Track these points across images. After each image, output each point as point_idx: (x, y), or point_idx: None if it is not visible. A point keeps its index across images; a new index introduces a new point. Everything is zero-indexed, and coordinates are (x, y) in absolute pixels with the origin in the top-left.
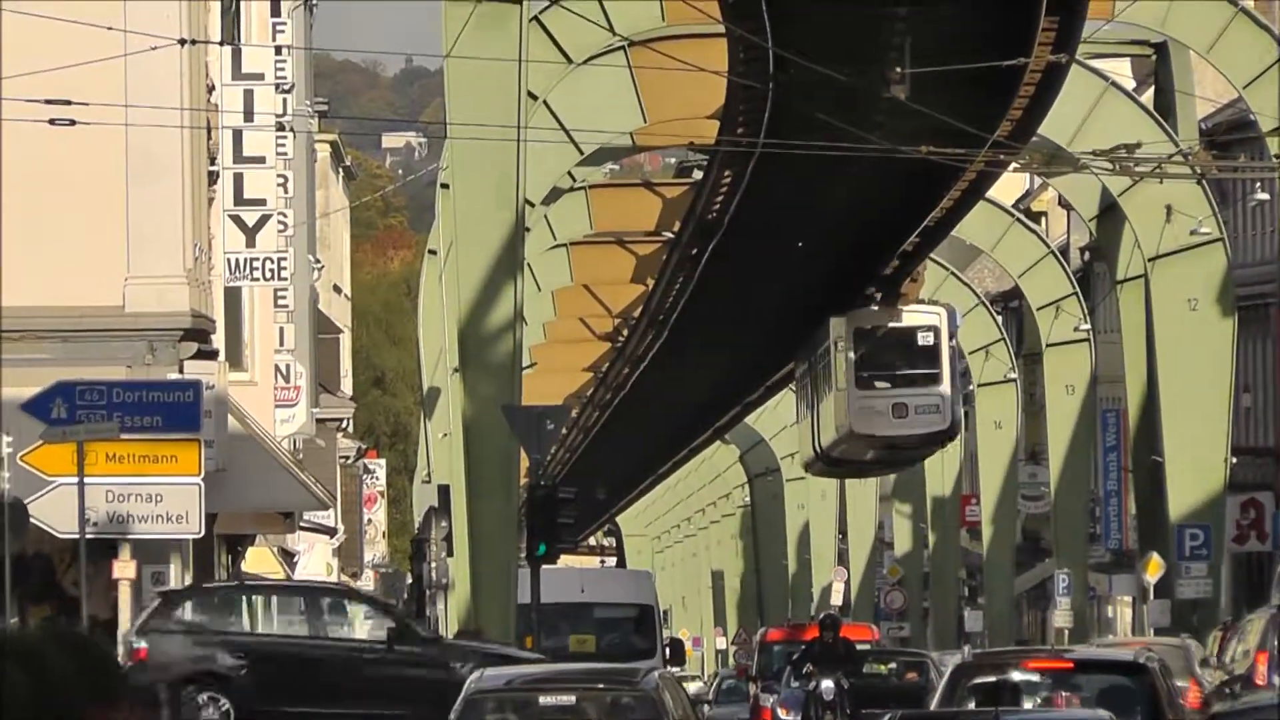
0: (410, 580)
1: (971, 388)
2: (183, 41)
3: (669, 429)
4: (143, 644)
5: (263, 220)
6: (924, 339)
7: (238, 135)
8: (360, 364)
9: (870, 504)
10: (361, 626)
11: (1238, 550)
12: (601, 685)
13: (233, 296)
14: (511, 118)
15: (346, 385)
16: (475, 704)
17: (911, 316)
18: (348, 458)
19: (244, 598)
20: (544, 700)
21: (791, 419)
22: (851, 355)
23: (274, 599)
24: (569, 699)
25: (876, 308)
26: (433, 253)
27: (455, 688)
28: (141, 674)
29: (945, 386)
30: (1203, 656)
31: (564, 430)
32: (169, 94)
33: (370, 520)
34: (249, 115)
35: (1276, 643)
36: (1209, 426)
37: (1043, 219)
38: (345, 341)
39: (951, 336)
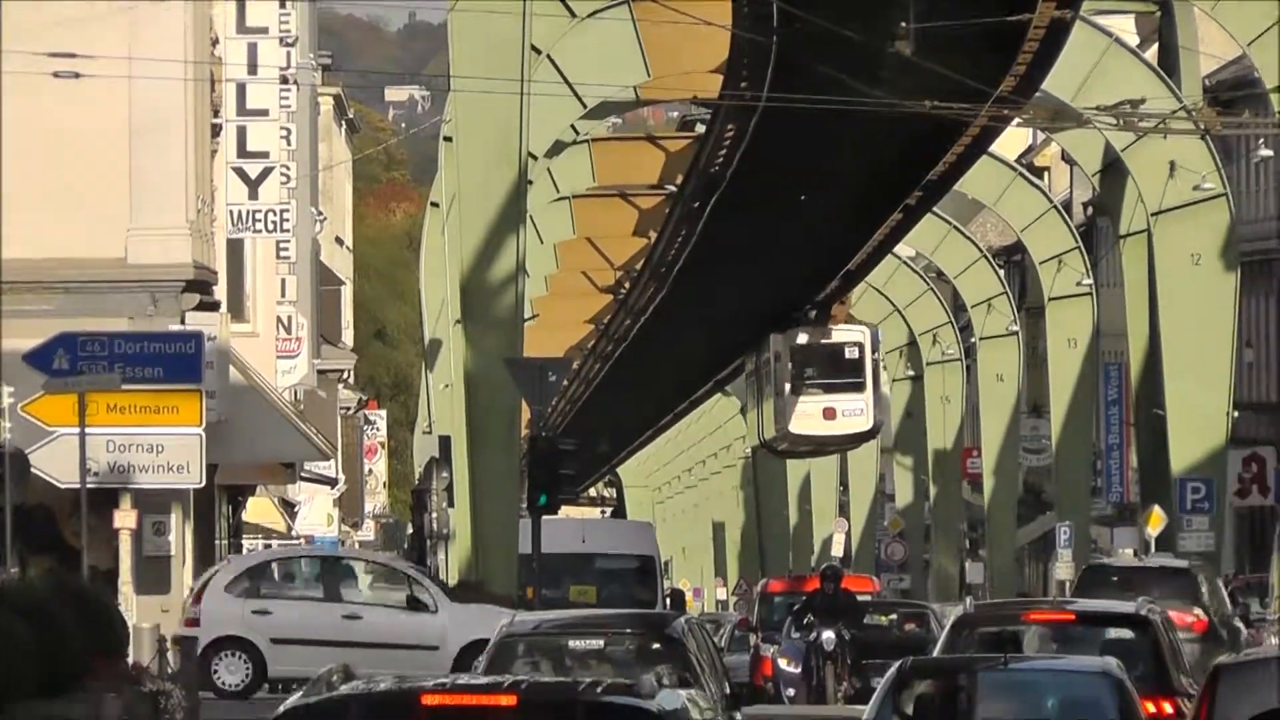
0: (411, 531)
1: (974, 340)
2: None
3: (671, 381)
4: None
5: (265, 173)
6: (850, 353)
7: (241, 88)
8: (362, 316)
9: (871, 456)
10: None
11: (1239, 504)
12: (629, 630)
13: (235, 248)
14: (515, 71)
15: (348, 337)
16: (506, 647)
17: (840, 334)
18: (348, 409)
19: None
20: (573, 644)
21: None
22: (789, 366)
23: None
24: (597, 643)
25: (811, 326)
26: (435, 205)
27: None
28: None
29: (868, 393)
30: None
31: (565, 382)
32: (173, 47)
33: (371, 471)
34: (252, 69)
35: None
36: (1211, 381)
37: (1046, 174)
38: (347, 294)
39: (874, 351)
